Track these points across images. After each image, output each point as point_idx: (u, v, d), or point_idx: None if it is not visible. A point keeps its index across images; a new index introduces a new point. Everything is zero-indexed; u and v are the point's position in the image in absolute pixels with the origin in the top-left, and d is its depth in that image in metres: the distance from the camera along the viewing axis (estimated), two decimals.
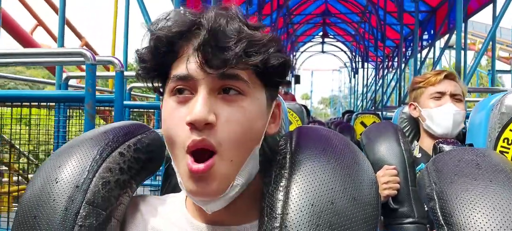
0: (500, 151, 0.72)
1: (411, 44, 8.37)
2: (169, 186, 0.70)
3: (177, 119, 0.50)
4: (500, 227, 0.44)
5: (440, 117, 1.24)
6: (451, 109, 1.23)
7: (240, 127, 0.50)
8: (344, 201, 0.46)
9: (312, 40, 15.71)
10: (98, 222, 0.50)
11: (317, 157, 0.50)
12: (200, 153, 0.48)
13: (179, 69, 0.51)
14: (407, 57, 9.38)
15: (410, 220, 1.17)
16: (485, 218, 0.45)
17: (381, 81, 10.75)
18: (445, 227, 0.48)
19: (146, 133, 0.62)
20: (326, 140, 0.54)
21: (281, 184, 0.49)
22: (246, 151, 0.51)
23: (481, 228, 0.45)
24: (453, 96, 1.26)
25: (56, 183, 0.52)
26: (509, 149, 0.71)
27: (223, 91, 0.50)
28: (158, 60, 0.53)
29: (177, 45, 0.52)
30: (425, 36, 8.20)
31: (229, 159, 0.49)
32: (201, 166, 0.47)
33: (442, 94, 1.26)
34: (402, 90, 7.03)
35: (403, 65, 7.93)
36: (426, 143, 1.30)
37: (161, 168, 0.68)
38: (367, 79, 12.31)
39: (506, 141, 0.71)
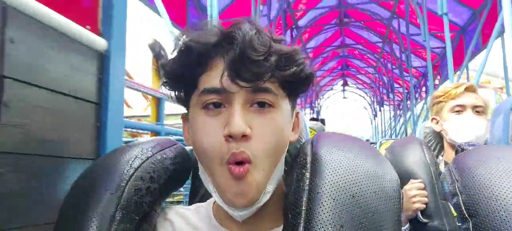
0: None
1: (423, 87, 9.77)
2: (197, 196, 0.71)
3: (210, 131, 0.50)
4: None
5: (461, 127, 1.21)
6: (472, 119, 1.20)
7: (272, 138, 0.50)
8: (366, 195, 0.46)
9: (333, 88, 17.50)
10: (131, 226, 0.52)
11: (337, 155, 0.50)
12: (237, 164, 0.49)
13: (211, 83, 0.50)
14: (418, 99, 10.87)
15: None
16: (507, 208, 0.45)
17: (400, 118, 12.16)
18: (470, 220, 0.49)
19: (173, 146, 0.66)
20: (345, 140, 0.54)
21: (303, 182, 0.49)
22: (276, 160, 0.52)
23: (505, 218, 0.45)
24: (474, 108, 1.21)
25: (94, 188, 0.54)
26: None
27: (256, 104, 0.50)
28: (186, 71, 0.53)
29: (207, 58, 0.51)
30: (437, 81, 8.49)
31: (262, 169, 0.50)
32: (241, 168, 0.48)
33: (463, 107, 1.23)
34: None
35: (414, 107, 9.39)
36: (451, 156, 1.24)
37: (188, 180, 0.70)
38: (386, 120, 13.92)
39: None
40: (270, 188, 0.51)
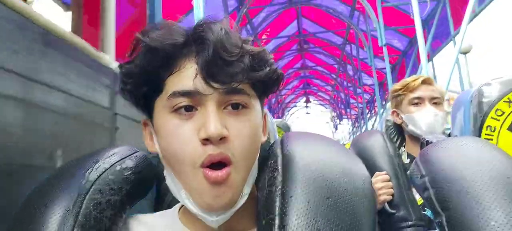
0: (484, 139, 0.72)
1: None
2: (163, 205, 0.68)
3: (183, 135, 0.46)
4: (495, 207, 0.44)
5: (421, 119, 1.23)
6: (431, 111, 1.23)
7: (248, 139, 0.48)
8: (341, 195, 0.45)
9: (297, 105, 18.55)
10: None
11: (308, 156, 0.49)
12: (214, 166, 0.46)
13: (181, 85, 0.47)
14: (372, 113, 11.96)
15: (409, 223, 1.13)
16: (479, 198, 0.45)
17: (358, 130, 13.23)
18: (443, 214, 0.48)
19: (134, 154, 0.61)
20: (315, 139, 0.54)
21: (275, 186, 0.47)
22: (252, 161, 0.50)
23: (476, 208, 0.45)
24: (431, 100, 1.25)
25: (46, 208, 0.49)
26: (493, 135, 0.72)
27: (230, 106, 0.48)
28: (150, 74, 0.49)
29: (174, 59, 0.48)
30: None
31: (241, 170, 0.48)
32: (219, 173, 0.45)
33: (420, 99, 1.26)
34: None
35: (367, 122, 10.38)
36: (412, 147, 1.28)
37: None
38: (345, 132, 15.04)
39: (489, 128, 0.72)
40: (247, 190, 0.50)
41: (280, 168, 0.49)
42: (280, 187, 0.46)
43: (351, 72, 9.82)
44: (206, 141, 0.45)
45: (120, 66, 0.52)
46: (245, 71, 0.48)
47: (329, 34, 7.93)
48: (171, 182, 0.51)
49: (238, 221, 0.52)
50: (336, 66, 10.45)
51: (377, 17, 5.08)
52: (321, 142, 0.53)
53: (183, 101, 0.47)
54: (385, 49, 5.05)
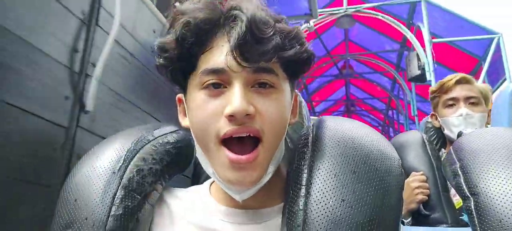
0: None
1: None
2: (200, 182, 0.69)
3: (210, 111, 0.48)
4: None
5: (453, 122, 1.20)
6: (463, 112, 1.18)
7: (276, 116, 0.49)
8: (366, 170, 0.46)
9: None
10: (133, 205, 0.52)
11: (338, 134, 0.50)
12: (240, 144, 0.48)
13: (212, 62, 0.49)
14: None
15: (444, 226, 1.09)
16: (508, 184, 0.45)
17: None
18: (471, 198, 0.48)
19: (175, 131, 0.65)
20: (347, 121, 0.55)
21: (304, 159, 0.49)
22: (279, 139, 0.51)
23: (506, 193, 0.44)
24: (467, 100, 1.20)
25: (95, 169, 0.54)
26: None
27: (258, 85, 0.49)
28: (184, 50, 0.50)
29: (207, 35, 0.50)
30: None
31: (269, 148, 0.49)
32: (243, 157, 0.47)
33: (455, 100, 1.22)
34: None
35: None
36: None
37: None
38: None
39: None
40: (272, 169, 0.51)
41: (310, 144, 0.50)
42: (308, 160, 0.48)
43: (392, 135, 10.51)
44: (231, 117, 0.46)
45: (159, 44, 0.53)
46: (275, 50, 0.48)
47: (374, 100, 8.88)
48: (201, 156, 0.53)
49: (264, 196, 0.54)
50: (379, 128, 11.16)
51: (410, 89, 5.96)
52: (354, 124, 0.54)
53: (212, 78, 0.48)
54: (416, 118, 5.84)
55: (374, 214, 0.44)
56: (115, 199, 0.52)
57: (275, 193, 0.55)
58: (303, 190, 0.46)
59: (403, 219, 1.18)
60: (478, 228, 0.45)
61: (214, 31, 0.50)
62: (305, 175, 0.47)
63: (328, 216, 0.43)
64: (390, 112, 8.81)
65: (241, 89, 0.47)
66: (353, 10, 4.87)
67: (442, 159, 1.21)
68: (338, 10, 4.90)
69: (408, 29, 4.98)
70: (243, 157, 0.47)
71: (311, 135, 0.52)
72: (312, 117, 1.51)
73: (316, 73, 6.96)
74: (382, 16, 4.72)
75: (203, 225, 0.55)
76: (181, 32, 0.50)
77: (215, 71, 0.48)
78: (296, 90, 0.59)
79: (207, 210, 0.57)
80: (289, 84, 0.54)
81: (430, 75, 4.40)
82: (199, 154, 0.54)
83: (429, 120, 1.37)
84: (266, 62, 0.48)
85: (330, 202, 0.44)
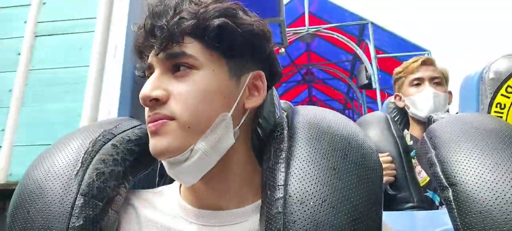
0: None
1: None
2: (165, 183, 0.66)
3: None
4: (505, 179, 0.42)
5: (421, 101, 1.22)
6: (430, 92, 1.21)
7: (193, 98, 0.47)
8: (347, 166, 0.44)
9: None
10: (95, 213, 0.47)
11: (316, 127, 0.48)
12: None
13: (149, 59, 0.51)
14: None
15: (410, 205, 1.11)
16: (488, 173, 0.44)
17: None
18: (449, 189, 0.46)
19: (138, 126, 0.61)
20: (323, 112, 0.52)
21: (281, 156, 0.46)
22: (207, 119, 0.48)
23: (485, 183, 0.43)
24: (432, 80, 1.23)
25: (48, 176, 0.49)
26: (502, 113, 0.69)
27: (174, 69, 0.49)
28: (140, 50, 0.52)
29: (147, 36, 0.51)
30: None
31: (187, 126, 0.47)
32: (151, 124, 0.47)
33: (420, 80, 1.24)
34: None
35: None
36: (416, 130, 1.27)
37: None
38: None
39: (499, 105, 0.69)
40: (202, 146, 0.47)
41: (286, 138, 0.48)
42: (285, 157, 0.45)
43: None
44: (144, 104, 0.48)
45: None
46: (184, 32, 0.47)
47: (333, 102, 9.99)
48: None
49: (238, 195, 0.52)
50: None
51: (361, 92, 7.03)
52: (329, 114, 0.52)
53: (149, 74, 0.51)
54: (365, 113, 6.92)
55: (357, 212, 0.41)
56: (74, 208, 0.46)
57: (249, 192, 0.53)
58: (281, 191, 0.43)
59: None
60: (458, 219, 0.43)
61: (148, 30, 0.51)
62: (282, 174, 0.44)
63: (309, 218, 0.40)
64: (346, 111, 9.96)
65: (154, 76, 0.48)
66: (314, 29, 5.83)
67: (406, 138, 1.24)
68: (301, 29, 5.85)
69: (359, 44, 6.06)
70: (151, 124, 0.47)
71: (286, 128, 0.50)
72: (281, 102, 1.40)
73: (282, 80, 7.91)
74: (338, 35, 5.70)
75: (174, 228, 0.52)
76: (134, 42, 0.53)
77: (148, 68, 0.51)
78: (257, 71, 0.54)
79: (177, 212, 0.54)
80: (228, 64, 0.50)
81: (375, 84, 5.46)
82: None
83: (393, 100, 1.39)
84: (172, 46, 0.48)
85: (311, 203, 0.41)
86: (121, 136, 0.57)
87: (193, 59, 0.49)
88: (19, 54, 1.38)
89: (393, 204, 1.14)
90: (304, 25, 5.92)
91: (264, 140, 0.55)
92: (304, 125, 0.49)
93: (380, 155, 1.08)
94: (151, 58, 0.50)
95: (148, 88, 0.47)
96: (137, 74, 0.56)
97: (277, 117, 0.61)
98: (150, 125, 0.48)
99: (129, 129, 0.60)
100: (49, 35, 1.38)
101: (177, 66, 0.49)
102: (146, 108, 0.49)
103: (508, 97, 0.70)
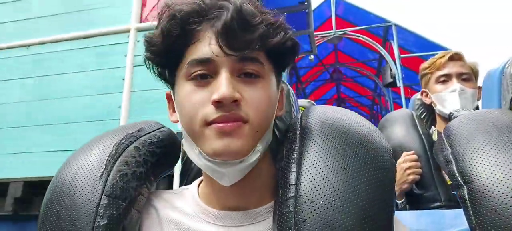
0: None
1: None
2: (188, 178, 0.68)
3: (198, 99, 0.48)
4: None
5: (448, 98, 1.18)
6: (457, 88, 1.17)
7: (262, 104, 0.49)
8: (358, 166, 0.43)
9: None
10: (118, 213, 0.49)
11: (328, 127, 0.48)
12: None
13: (199, 53, 0.49)
14: None
15: (437, 204, 1.08)
16: (503, 171, 0.43)
17: None
18: (465, 187, 0.46)
19: (160, 129, 0.63)
20: (336, 112, 0.52)
21: (293, 157, 0.47)
22: (266, 124, 0.50)
23: (500, 181, 0.42)
24: (459, 76, 1.19)
25: (75, 178, 0.51)
26: None
27: (243, 75, 0.49)
28: (170, 42, 0.50)
29: (192, 28, 0.49)
30: None
31: (256, 130, 0.48)
32: (228, 123, 0.46)
33: (448, 76, 1.20)
34: None
35: None
36: (443, 126, 1.05)
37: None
38: None
39: None
40: (260, 147, 0.49)
41: (298, 139, 0.49)
42: (296, 157, 0.46)
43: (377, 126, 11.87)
44: (218, 103, 0.46)
45: (146, 39, 0.52)
46: (261, 39, 0.48)
47: (361, 98, 10.30)
48: (186, 143, 0.52)
49: (252, 194, 0.53)
50: (367, 117, 12.56)
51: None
52: (343, 114, 0.52)
53: (199, 69, 0.48)
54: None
55: (367, 212, 0.41)
56: (99, 208, 0.49)
57: (266, 191, 0.54)
58: (292, 190, 0.44)
59: (396, 201, 1.15)
60: (473, 217, 0.43)
61: (200, 23, 0.50)
62: (294, 174, 0.45)
63: (319, 216, 0.41)
64: (375, 107, 10.24)
65: (228, 76, 0.47)
66: (341, 33, 6.24)
67: (433, 135, 1.20)
68: (329, 33, 6.27)
69: (384, 45, 6.40)
70: (228, 124, 0.46)
71: (299, 129, 0.50)
72: (301, 101, 1.41)
73: (311, 79, 8.34)
74: (364, 38, 6.09)
75: (194, 228, 0.53)
76: (166, 25, 0.50)
77: (201, 61, 0.48)
78: (284, 82, 0.59)
79: (196, 213, 0.55)
80: (275, 75, 0.53)
81: (399, 82, 5.79)
82: (186, 142, 0.53)
83: (419, 97, 1.34)
84: (251, 51, 0.48)
85: (321, 202, 0.41)
86: (143, 138, 0.59)
87: (262, 68, 0.50)
88: (123, 79, 1.94)
89: (420, 203, 1.11)
90: (332, 28, 6.33)
91: (280, 140, 0.56)
92: (316, 124, 0.49)
93: (405, 153, 1.14)
94: (217, 54, 0.48)
95: (231, 89, 0.46)
96: (148, 58, 0.53)
97: (293, 117, 0.63)
98: (222, 125, 0.46)
99: (152, 132, 0.61)
100: (143, 65, 1.82)
101: (247, 73, 0.49)
102: (212, 107, 0.47)
103: None
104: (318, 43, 6.76)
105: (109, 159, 0.54)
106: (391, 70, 5.97)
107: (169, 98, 0.57)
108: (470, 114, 0.56)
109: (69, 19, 2.19)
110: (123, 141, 0.57)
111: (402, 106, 5.91)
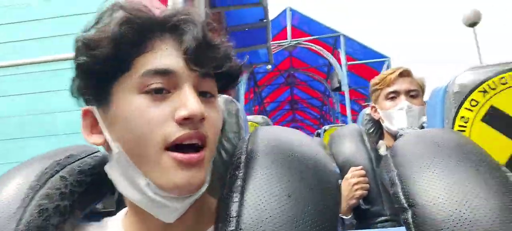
0: (457, 131, 0.67)
1: None
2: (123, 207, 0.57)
3: (156, 116, 0.42)
4: (461, 200, 0.40)
5: (394, 115, 1.19)
6: (404, 106, 1.18)
7: (218, 125, 0.47)
8: (302, 192, 0.41)
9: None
10: None
11: (274, 151, 0.46)
12: (182, 152, 0.42)
13: (157, 63, 0.43)
14: None
15: (383, 218, 1.09)
16: (446, 194, 0.42)
17: None
18: (409, 210, 0.44)
19: (93, 155, 0.57)
20: (284, 134, 0.50)
21: (236, 184, 0.43)
22: (215, 149, 0.48)
23: (443, 204, 0.41)
24: (407, 93, 1.20)
25: None
26: (465, 127, 0.69)
27: (199, 93, 0.45)
28: (120, 49, 0.43)
29: (148, 36, 0.44)
30: None
31: (211, 154, 0.46)
32: (194, 155, 0.42)
33: (396, 93, 1.21)
34: None
35: None
36: (391, 142, 1.23)
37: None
38: None
39: (462, 119, 0.69)
40: (208, 177, 0.46)
41: (243, 164, 0.45)
42: (240, 185, 0.42)
43: (326, 124, 12.81)
44: (186, 120, 0.42)
45: (85, 40, 0.44)
46: (225, 59, 0.46)
47: (312, 100, 11.12)
48: (122, 171, 0.45)
49: (184, 225, 0.48)
50: (318, 119, 13.55)
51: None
52: (289, 136, 0.49)
53: (157, 81, 0.43)
54: (341, 115, 8.11)
55: None
56: None
57: (203, 219, 0.49)
58: (233, 223, 0.40)
59: (344, 217, 1.17)
60: None
61: (161, 33, 0.45)
62: (236, 204, 0.41)
63: None
64: (324, 107, 11.11)
65: (193, 91, 0.43)
66: (295, 42, 6.90)
67: (380, 150, 1.23)
68: (285, 42, 6.90)
69: (333, 53, 7.18)
70: (195, 155, 0.42)
71: (245, 153, 0.47)
72: (255, 117, 1.61)
73: (268, 83, 8.98)
74: (315, 46, 6.80)
75: None
76: (119, 29, 0.43)
77: (161, 73, 0.43)
78: (233, 101, 0.59)
79: None
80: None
81: (344, 87, 6.60)
82: (120, 169, 0.45)
83: (368, 111, 1.36)
84: (215, 70, 0.46)
85: None
86: (72, 166, 0.53)
87: (215, 89, 0.48)
88: None
89: (366, 218, 1.13)
90: (287, 37, 6.97)
91: (227, 162, 0.51)
92: (262, 149, 0.46)
93: (353, 168, 1.14)
94: (180, 68, 0.44)
95: (200, 106, 0.42)
96: (84, 60, 0.44)
97: (241, 138, 0.59)
98: (188, 157, 0.42)
99: (82, 158, 0.56)
100: None
101: (204, 93, 0.46)
102: (175, 125, 0.42)
103: (472, 111, 0.69)
104: (274, 51, 7.39)
105: (27, 192, 0.48)
106: (338, 76, 6.72)
107: (87, 114, 0.48)
108: (416, 134, 0.55)
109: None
110: (47, 170, 0.51)
111: (346, 108, 6.78)
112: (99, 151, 0.59)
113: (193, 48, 0.44)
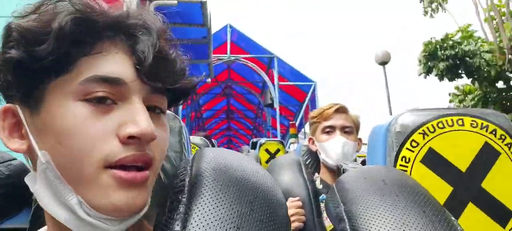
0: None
1: None
2: (39, 227, 0.49)
3: (97, 131, 0.36)
4: None
5: (330, 149, 1.25)
6: (340, 141, 1.24)
7: (165, 146, 0.42)
8: (252, 225, 0.38)
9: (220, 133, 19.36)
10: None
11: (222, 178, 0.41)
12: (125, 170, 0.37)
13: (104, 69, 0.37)
14: None
15: None
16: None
17: None
18: None
19: (8, 162, 0.52)
20: (230, 158, 0.46)
21: (178, 211, 0.38)
22: (159, 170, 0.42)
23: None
24: (343, 129, 1.26)
25: None
26: (407, 167, 0.70)
27: (148, 108, 0.39)
28: (63, 46, 0.36)
29: (96, 36, 0.38)
30: None
31: (155, 176, 0.41)
32: (138, 174, 0.37)
33: (332, 128, 1.27)
34: None
35: None
36: (326, 175, 1.30)
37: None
38: None
39: (404, 159, 0.70)
40: (149, 200, 0.40)
41: (186, 189, 0.40)
42: (183, 212, 0.38)
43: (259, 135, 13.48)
44: (134, 140, 0.36)
45: (19, 27, 0.36)
46: (180, 75, 0.41)
47: (247, 111, 11.67)
48: (49, 186, 0.38)
49: None
50: (251, 129, 14.22)
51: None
52: (237, 161, 0.45)
53: (103, 90, 0.36)
54: (272, 128, 8.78)
55: None
56: None
57: None
58: None
59: None
60: None
61: (106, 34, 0.39)
62: None
63: None
64: (257, 119, 11.80)
65: (143, 107, 0.37)
66: (234, 57, 7.47)
67: (316, 181, 1.26)
68: (224, 57, 7.43)
69: (268, 71, 7.91)
70: (138, 174, 0.37)
71: (189, 177, 0.41)
72: (195, 138, 1.60)
73: (205, 92, 9.46)
74: (252, 64, 7.44)
75: None
76: (66, 23, 0.36)
77: (109, 81, 0.37)
78: (177, 117, 0.55)
79: None
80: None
81: (276, 104, 7.26)
82: (46, 183, 0.38)
83: (306, 143, 1.41)
84: (169, 85, 0.40)
85: None
86: None
87: (165, 105, 0.42)
88: None
89: None
90: (226, 51, 7.53)
91: (166, 186, 0.47)
92: (210, 172, 0.41)
93: (291, 199, 1.14)
94: (131, 77, 0.38)
95: (151, 125, 0.37)
96: (11, 52, 0.36)
97: (184, 159, 0.54)
98: (132, 176, 0.36)
99: None
100: None
101: (153, 107, 0.40)
102: (118, 143, 0.36)
103: (413, 152, 0.70)
104: (214, 64, 7.92)
105: None
106: (270, 94, 7.43)
107: (7, 113, 0.40)
108: (362, 170, 0.55)
109: None
110: None
111: (276, 122, 7.41)
112: (13, 159, 0.52)
113: (149, 59, 0.38)
